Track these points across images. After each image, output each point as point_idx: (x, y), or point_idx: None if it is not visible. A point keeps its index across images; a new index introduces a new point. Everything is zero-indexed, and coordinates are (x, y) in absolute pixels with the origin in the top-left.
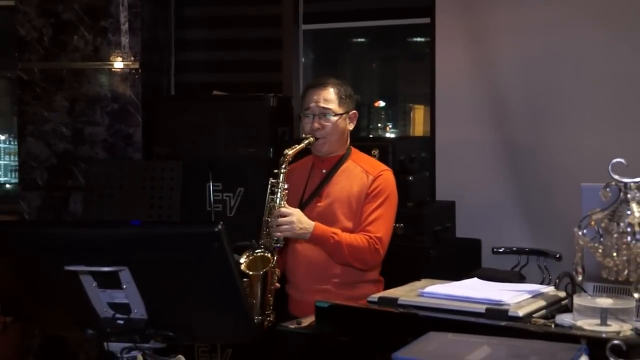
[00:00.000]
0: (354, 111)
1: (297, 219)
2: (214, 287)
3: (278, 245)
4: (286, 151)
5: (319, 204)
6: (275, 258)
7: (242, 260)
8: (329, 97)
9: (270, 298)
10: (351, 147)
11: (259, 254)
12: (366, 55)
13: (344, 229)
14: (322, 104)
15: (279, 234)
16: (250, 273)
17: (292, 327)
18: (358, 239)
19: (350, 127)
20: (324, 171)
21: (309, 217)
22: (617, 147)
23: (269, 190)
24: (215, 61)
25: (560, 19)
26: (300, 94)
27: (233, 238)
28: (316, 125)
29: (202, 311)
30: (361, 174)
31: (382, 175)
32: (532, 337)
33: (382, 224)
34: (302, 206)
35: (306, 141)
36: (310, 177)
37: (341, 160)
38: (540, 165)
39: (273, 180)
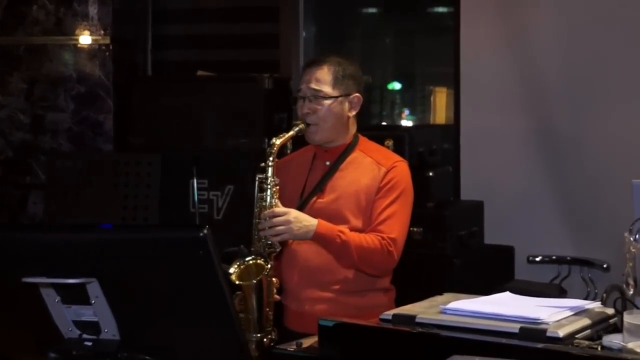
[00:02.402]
0: (355, 94)
1: (294, 217)
2: (199, 301)
3: (273, 250)
4: (273, 140)
5: (322, 200)
6: (270, 265)
7: (232, 270)
8: (322, 77)
9: (270, 312)
10: (359, 135)
11: (251, 261)
12: (378, 29)
13: (353, 229)
14: (313, 85)
15: (275, 238)
16: (243, 284)
17: (292, 349)
18: (369, 239)
19: (351, 113)
20: (327, 163)
21: (312, 215)
22: None
23: (257, 188)
24: (199, 35)
25: None
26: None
27: (221, 244)
28: (305, 109)
29: (185, 330)
30: (371, 165)
31: (397, 167)
32: None
33: (396, 223)
34: (302, 203)
35: (296, 128)
36: (312, 170)
37: (347, 149)
38: (584, 158)
39: (260, 176)
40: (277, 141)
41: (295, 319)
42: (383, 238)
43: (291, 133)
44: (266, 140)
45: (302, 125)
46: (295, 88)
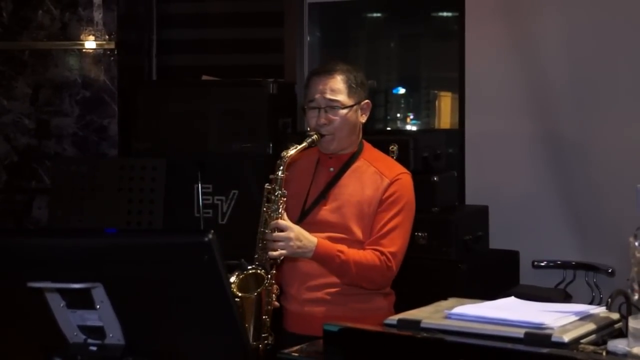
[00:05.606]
0: (366, 101)
1: (295, 235)
2: (204, 306)
3: (274, 261)
4: (284, 153)
5: (325, 208)
6: (270, 275)
7: (232, 280)
8: (337, 86)
9: (267, 319)
10: (364, 142)
11: (251, 271)
12: (383, 33)
13: (355, 239)
14: (328, 95)
15: (274, 253)
16: (242, 295)
17: (296, 354)
18: (368, 256)
19: (363, 119)
20: (331, 169)
21: (315, 224)
22: None
23: (264, 198)
24: (204, 40)
25: None
26: (305, 80)
27: (226, 250)
28: (322, 120)
29: (189, 335)
30: (375, 175)
31: (400, 180)
32: None
33: (397, 237)
34: (306, 210)
35: (309, 140)
36: (316, 176)
37: (352, 158)
38: (590, 163)
39: (268, 187)
40: (288, 153)
41: (295, 322)
42: (382, 253)
43: (304, 144)
44: (270, 145)
45: (316, 136)
46: (300, 93)
